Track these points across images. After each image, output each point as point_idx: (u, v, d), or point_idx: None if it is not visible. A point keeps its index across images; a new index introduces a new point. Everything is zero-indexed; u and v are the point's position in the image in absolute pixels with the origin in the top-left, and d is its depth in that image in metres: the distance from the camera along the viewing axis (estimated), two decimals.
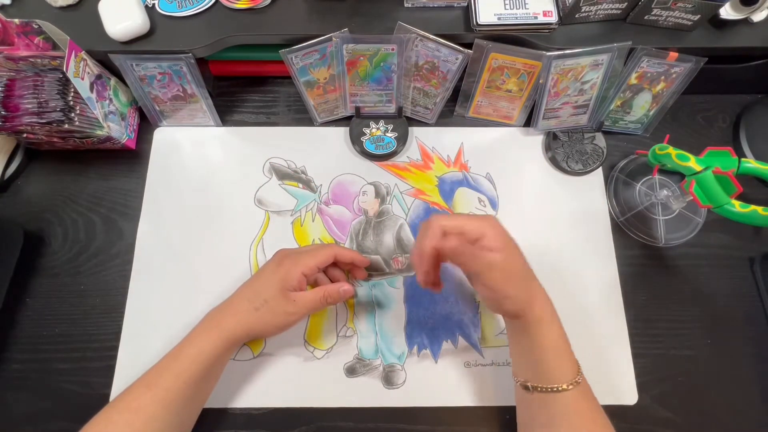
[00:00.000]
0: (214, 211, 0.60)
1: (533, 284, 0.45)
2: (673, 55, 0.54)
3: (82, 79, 0.52)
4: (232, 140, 0.63)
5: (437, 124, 0.64)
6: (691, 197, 0.51)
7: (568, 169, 0.61)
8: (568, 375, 0.43)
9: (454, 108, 0.64)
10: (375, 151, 0.61)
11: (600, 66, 0.56)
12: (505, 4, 0.55)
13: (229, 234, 0.59)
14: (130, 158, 0.62)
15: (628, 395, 0.53)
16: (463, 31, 0.56)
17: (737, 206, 0.48)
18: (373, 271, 0.57)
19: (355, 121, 0.62)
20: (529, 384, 0.44)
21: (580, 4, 0.53)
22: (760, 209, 0.48)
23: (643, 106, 0.60)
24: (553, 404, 0.43)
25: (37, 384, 0.52)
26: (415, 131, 0.64)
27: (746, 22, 0.56)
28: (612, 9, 0.55)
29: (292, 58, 0.54)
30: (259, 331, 0.48)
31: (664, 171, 0.60)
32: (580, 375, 0.44)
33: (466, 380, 0.53)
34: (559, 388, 0.42)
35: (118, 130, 0.58)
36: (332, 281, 0.54)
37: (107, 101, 0.57)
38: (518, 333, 0.46)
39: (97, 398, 0.52)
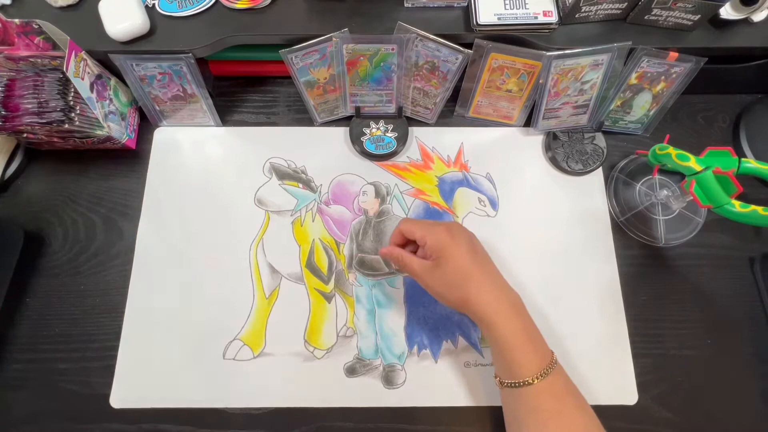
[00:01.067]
0: (214, 211, 0.60)
1: (469, 288, 0.45)
2: (673, 55, 0.54)
3: (82, 79, 0.52)
4: (232, 140, 0.63)
5: (437, 124, 0.64)
6: (691, 197, 0.51)
7: (568, 169, 0.61)
8: (532, 368, 0.43)
9: (454, 108, 0.64)
10: (375, 151, 0.61)
11: (600, 66, 0.56)
12: (505, 4, 0.55)
13: (229, 234, 0.59)
14: (130, 158, 0.62)
15: (628, 395, 0.53)
16: (463, 31, 0.56)
17: (737, 206, 0.48)
18: (373, 271, 0.57)
19: (355, 121, 0.62)
20: (498, 378, 0.46)
21: (580, 4, 0.53)
22: (760, 209, 0.48)
23: (643, 106, 0.60)
24: (519, 398, 0.43)
25: (37, 384, 0.52)
26: (415, 131, 0.64)
27: (746, 22, 0.56)
28: (612, 9, 0.55)
29: (292, 58, 0.54)
30: None
31: (664, 171, 0.60)
32: (551, 367, 0.43)
33: (466, 380, 0.53)
34: (521, 383, 0.42)
35: (118, 130, 0.58)
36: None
37: (107, 101, 0.57)
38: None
39: (97, 398, 0.52)
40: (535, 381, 0.42)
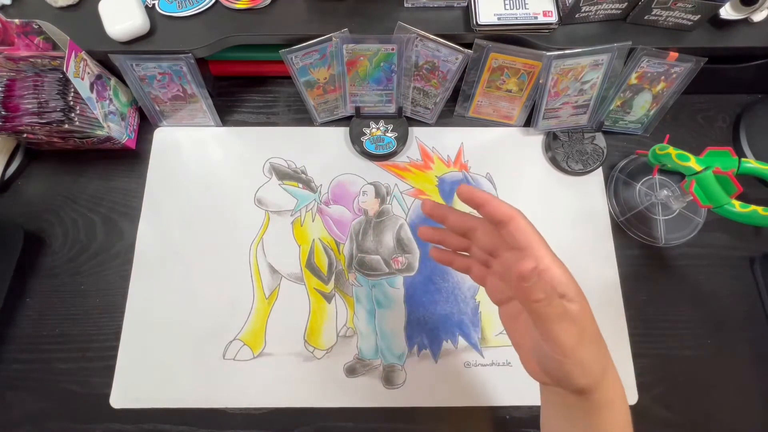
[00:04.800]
0: (214, 211, 0.60)
1: (607, 351, 0.34)
2: (673, 55, 0.54)
3: (82, 79, 0.52)
4: (232, 140, 0.63)
5: (437, 124, 0.64)
6: (691, 197, 0.51)
7: (568, 169, 0.61)
8: None
9: (454, 108, 0.64)
10: (375, 151, 0.61)
11: (600, 66, 0.56)
12: (505, 4, 0.55)
13: (229, 234, 0.59)
14: (130, 158, 0.62)
15: (628, 395, 0.53)
16: (463, 31, 0.56)
17: (737, 206, 0.48)
18: (373, 271, 0.57)
19: (355, 121, 0.62)
20: None
21: (580, 4, 0.53)
22: (760, 209, 0.48)
23: (643, 106, 0.60)
24: None
25: (37, 384, 0.52)
26: (415, 131, 0.64)
27: (746, 22, 0.56)
28: (612, 9, 0.55)
29: (292, 58, 0.54)
30: None
31: (664, 171, 0.60)
32: None
33: (466, 380, 0.53)
34: None
35: (118, 130, 0.58)
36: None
37: (107, 101, 0.57)
38: (571, 413, 0.35)
39: (97, 398, 0.52)
40: None
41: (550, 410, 0.37)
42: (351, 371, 0.53)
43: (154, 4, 0.56)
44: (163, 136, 0.63)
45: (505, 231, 0.33)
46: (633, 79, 0.57)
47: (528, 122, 0.63)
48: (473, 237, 0.37)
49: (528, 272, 0.28)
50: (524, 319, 0.34)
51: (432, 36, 0.54)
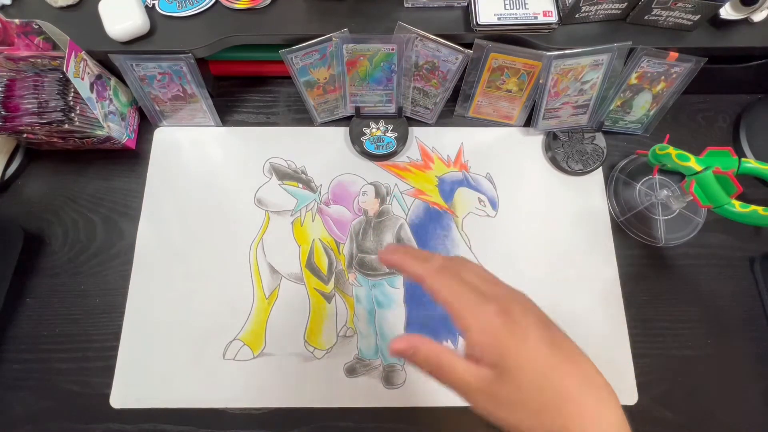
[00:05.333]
0: (214, 211, 0.60)
1: (567, 410, 0.28)
2: (673, 55, 0.54)
3: (82, 79, 0.52)
4: (232, 140, 0.63)
5: (437, 124, 0.64)
6: (691, 197, 0.51)
7: (568, 169, 0.61)
8: None
9: (454, 108, 0.64)
10: (375, 151, 0.61)
11: (600, 66, 0.56)
12: (505, 4, 0.55)
13: (229, 234, 0.59)
14: (130, 158, 0.62)
15: (628, 395, 0.53)
16: (463, 31, 0.56)
17: (737, 206, 0.48)
18: (373, 271, 0.57)
19: (355, 121, 0.62)
20: None
21: (580, 4, 0.53)
22: (760, 209, 0.48)
23: (643, 106, 0.60)
24: None
25: (37, 384, 0.52)
26: (415, 131, 0.64)
27: (746, 22, 0.56)
28: (612, 9, 0.55)
29: (292, 58, 0.54)
30: None
31: (664, 171, 0.60)
32: None
33: None
34: None
35: (118, 130, 0.58)
36: None
37: (107, 101, 0.57)
38: None
39: (97, 398, 0.52)
40: None
41: None
42: (351, 371, 0.53)
43: (154, 4, 0.56)
44: (163, 136, 0.63)
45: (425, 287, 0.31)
46: (633, 79, 0.57)
47: (528, 122, 0.63)
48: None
49: (394, 353, 0.28)
50: None
51: (432, 36, 0.54)
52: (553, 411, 0.28)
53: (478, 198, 0.61)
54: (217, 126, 0.63)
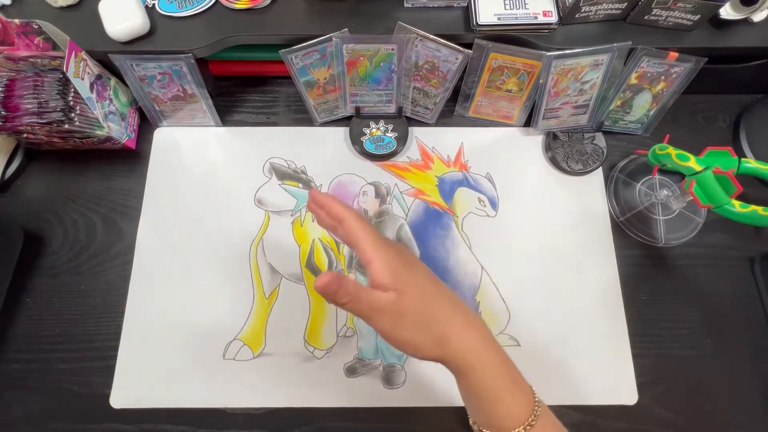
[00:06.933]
0: (214, 211, 0.60)
1: (445, 324, 0.37)
2: (673, 55, 0.54)
3: (82, 79, 0.52)
4: (232, 140, 0.63)
5: (437, 124, 0.64)
6: (691, 197, 0.51)
7: (568, 169, 0.61)
8: (521, 416, 0.37)
9: (454, 108, 0.64)
10: (375, 151, 0.61)
11: (600, 66, 0.56)
12: (505, 4, 0.55)
13: (229, 234, 0.59)
14: (130, 158, 0.62)
15: (628, 395, 0.53)
16: (463, 31, 0.56)
17: (737, 206, 0.48)
18: None
19: (355, 121, 0.62)
20: (476, 425, 0.40)
21: (580, 4, 0.53)
22: (760, 209, 0.48)
23: (643, 106, 0.60)
24: None
25: (37, 384, 0.52)
26: (415, 131, 0.64)
27: (746, 22, 0.56)
28: (612, 9, 0.55)
29: (292, 58, 0.54)
30: None
31: (664, 171, 0.60)
32: (537, 408, 0.38)
33: None
34: None
35: (118, 130, 0.58)
36: None
37: (107, 101, 0.57)
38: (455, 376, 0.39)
39: (97, 398, 0.52)
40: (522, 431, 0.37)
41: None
42: (351, 371, 0.53)
43: (154, 4, 0.56)
44: (163, 136, 0.63)
45: (341, 230, 0.39)
46: (633, 79, 0.57)
47: (528, 122, 0.63)
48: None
49: (319, 289, 0.34)
50: None
51: (432, 36, 0.54)
52: (434, 323, 0.37)
53: (478, 198, 0.61)
54: (217, 126, 0.63)
